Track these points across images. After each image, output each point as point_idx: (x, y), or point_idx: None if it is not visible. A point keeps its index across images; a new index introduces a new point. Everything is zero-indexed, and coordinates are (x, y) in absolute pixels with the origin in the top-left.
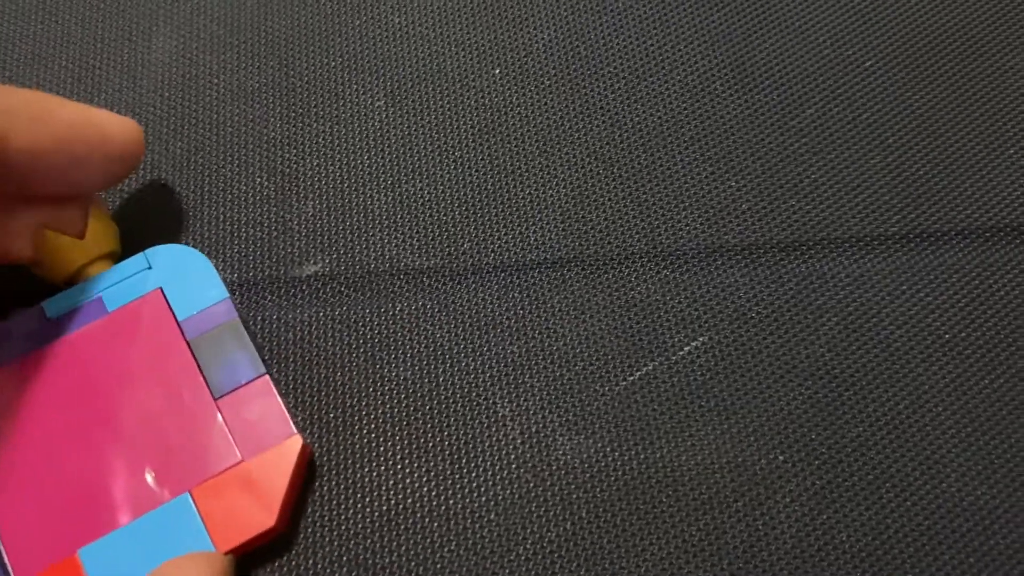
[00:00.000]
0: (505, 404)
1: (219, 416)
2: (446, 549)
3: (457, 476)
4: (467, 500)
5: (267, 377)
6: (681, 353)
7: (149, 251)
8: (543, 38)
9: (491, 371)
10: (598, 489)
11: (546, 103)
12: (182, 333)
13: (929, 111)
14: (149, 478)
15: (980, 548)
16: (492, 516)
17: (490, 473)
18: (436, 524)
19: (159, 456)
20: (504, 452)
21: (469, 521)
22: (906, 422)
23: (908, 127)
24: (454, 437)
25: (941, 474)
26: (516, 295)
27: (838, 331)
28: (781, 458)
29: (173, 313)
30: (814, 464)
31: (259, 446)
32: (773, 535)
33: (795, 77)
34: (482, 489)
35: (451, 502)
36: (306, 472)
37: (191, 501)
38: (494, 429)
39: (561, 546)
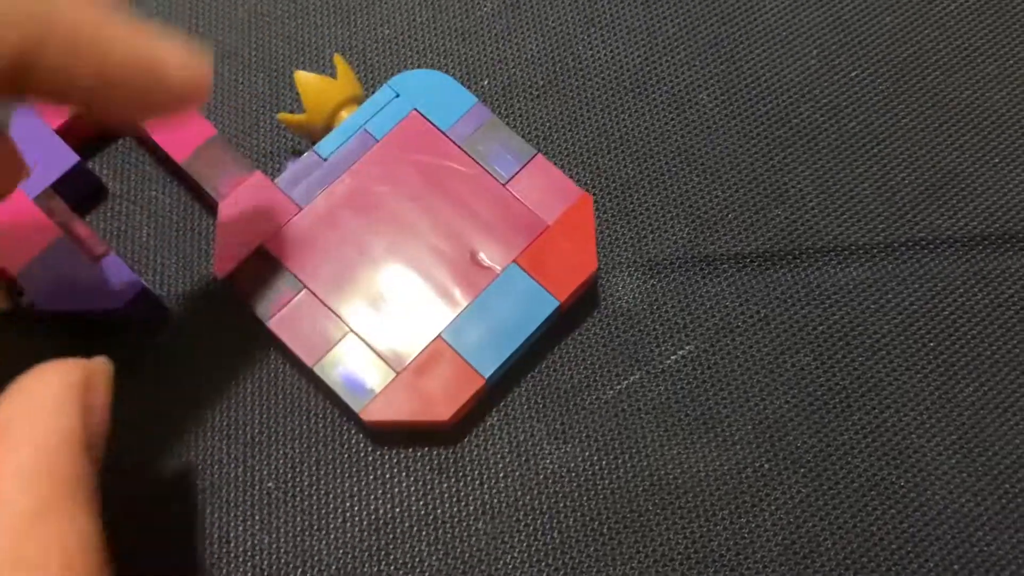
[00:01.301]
0: (493, 414)
1: (514, 196)
2: (434, 558)
3: (445, 486)
4: (455, 509)
5: (540, 155)
6: (668, 362)
7: (392, 81)
8: (531, 49)
9: None
10: (585, 498)
11: (533, 114)
12: (452, 140)
13: (914, 121)
14: (477, 260)
15: (965, 555)
16: (480, 525)
17: (478, 483)
18: (424, 533)
19: (478, 242)
20: (492, 462)
21: (457, 530)
22: (891, 430)
23: (894, 137)
24: (442, 447)
25: (926, 481)
26: None
27: (824, 339)
28: (767, 466)
29: (436, 126)
30: (800, 472)
31: (557, 208)
32: (759, 542)
33: (782, 88)
34: (470, 499)
35: (439, 511)
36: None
37: (520, 268)
38: (482, 439)
39: (548, 554)
